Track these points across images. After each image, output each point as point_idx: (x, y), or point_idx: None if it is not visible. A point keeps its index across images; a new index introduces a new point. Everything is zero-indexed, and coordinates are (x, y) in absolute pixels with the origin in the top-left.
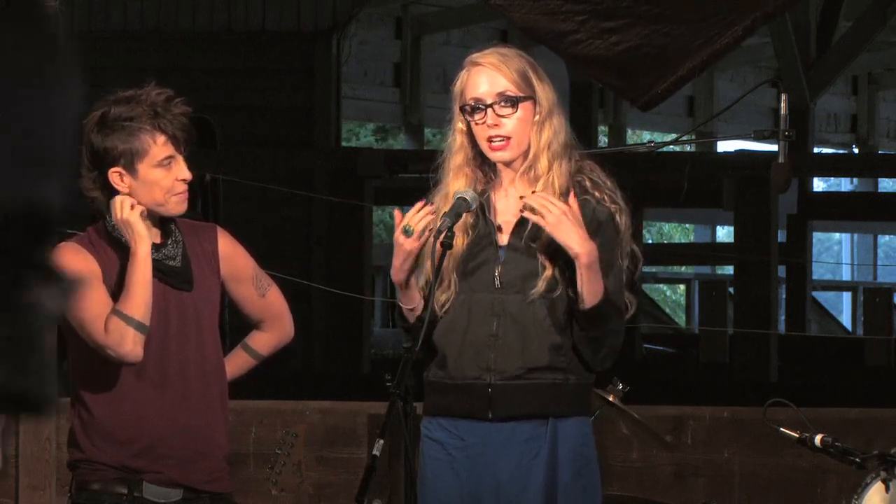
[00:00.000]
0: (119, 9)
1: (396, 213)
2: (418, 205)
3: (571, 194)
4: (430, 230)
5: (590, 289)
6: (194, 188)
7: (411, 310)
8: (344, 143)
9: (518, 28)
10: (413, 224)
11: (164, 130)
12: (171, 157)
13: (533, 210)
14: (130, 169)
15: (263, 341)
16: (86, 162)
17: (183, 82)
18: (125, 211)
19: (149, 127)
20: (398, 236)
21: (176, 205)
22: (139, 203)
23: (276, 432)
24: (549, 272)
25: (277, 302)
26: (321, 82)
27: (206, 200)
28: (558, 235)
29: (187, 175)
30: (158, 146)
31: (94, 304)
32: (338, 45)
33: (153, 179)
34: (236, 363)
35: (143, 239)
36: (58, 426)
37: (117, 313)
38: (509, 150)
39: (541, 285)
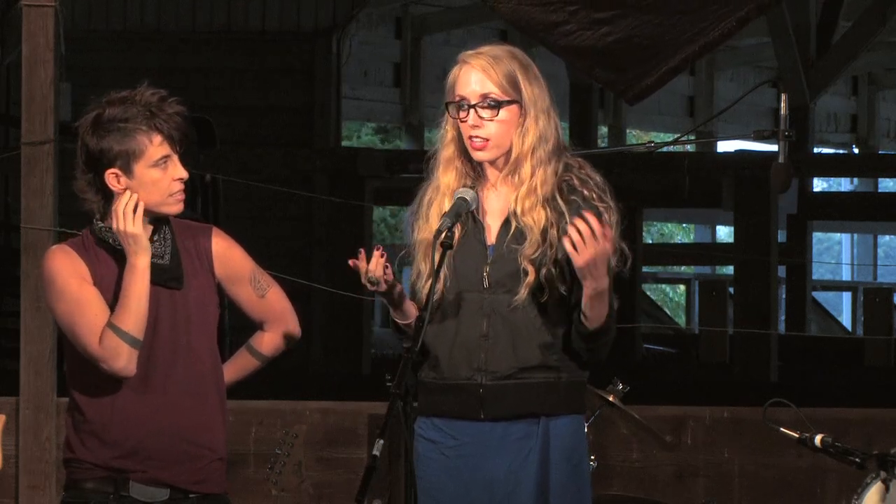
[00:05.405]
0: (119, 9)
1: (361, 255)
2: (376, 253)
3: (607, 227)
4: (388, 274)
5: (594, 314)
6: (195, 188)
7: (407, 324)
8: (344, 143)
9: (506, 21)
10: (376, 275)
11: (160, 130)
12: (167, 156)
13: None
14: (126, 170)
15: (266, 342)
16: (80, 164)
17: (183, 82)
18: (128, 224)
19: (144, 127)
20: (364, 283)
21: (173, 204)
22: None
23: (276, 432)
24: (531, 278)
25: (278, 302)
26: (321, 82)
27: (206, 200)
28: (580, 268)
29: (183, 174)
30: (154, 146)
31: (89, 316)
32: (338, 45)
33: (150, 180)
34: (240, 364)
35: (145, 251)
36: (58, 426)
37: (112, 328)
38: (488, 152)
39: (523, 292)
